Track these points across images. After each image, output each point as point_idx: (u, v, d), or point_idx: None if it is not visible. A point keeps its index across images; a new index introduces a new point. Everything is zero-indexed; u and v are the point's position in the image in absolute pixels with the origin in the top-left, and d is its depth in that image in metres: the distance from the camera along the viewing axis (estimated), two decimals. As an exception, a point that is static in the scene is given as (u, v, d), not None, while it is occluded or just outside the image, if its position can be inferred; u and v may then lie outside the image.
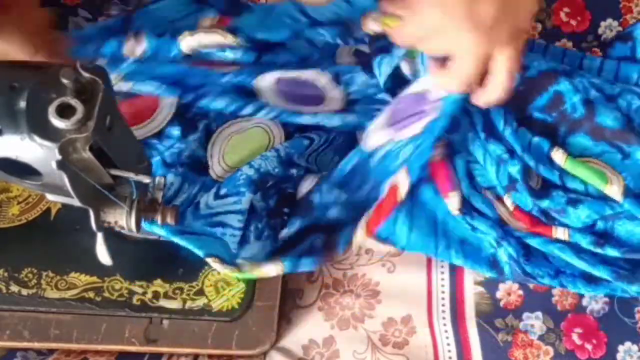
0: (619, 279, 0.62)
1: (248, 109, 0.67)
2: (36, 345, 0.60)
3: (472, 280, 0.65)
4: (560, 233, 0.63)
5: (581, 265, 0.62)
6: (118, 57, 0.66)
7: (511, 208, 0.64)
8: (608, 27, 0.73)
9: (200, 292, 0.63)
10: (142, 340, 0.61)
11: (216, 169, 0.67)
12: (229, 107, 0.67)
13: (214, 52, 0.67)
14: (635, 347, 0.63)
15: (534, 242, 0.64)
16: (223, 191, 0.65)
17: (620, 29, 0.74)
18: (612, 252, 0.62)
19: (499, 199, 0.65)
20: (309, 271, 0.65)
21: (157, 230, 0.61)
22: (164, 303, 0.62)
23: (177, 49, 0.66)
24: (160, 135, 0.67)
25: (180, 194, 0.65)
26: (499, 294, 0.65)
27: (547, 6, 0.74)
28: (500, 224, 0.64)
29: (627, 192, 0.62)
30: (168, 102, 0.68)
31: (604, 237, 0.63)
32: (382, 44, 0.64)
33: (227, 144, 0.68)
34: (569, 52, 0.73)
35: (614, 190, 0.62)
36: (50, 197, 0.56)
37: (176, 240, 0.62)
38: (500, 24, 0.50)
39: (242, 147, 0.68)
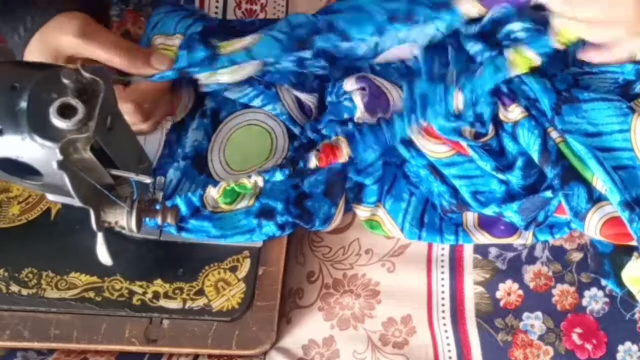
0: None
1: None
2: (36, 345, 0.60)
3: (472, 280, 0.65)
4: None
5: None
6: None
7: None
8: (608, 28, 0.73)
9: (200, 292, 0.63)
10: (142, 340, 0.61)
11: (216, 166, 0.67)
12: None
13: None
14: (635, 347, 0.63)
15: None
16: None
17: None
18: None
19: None
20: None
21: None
22: (164, 303, 0.62)
23: None
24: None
25: (178, 191, 0.65)
26: (498, 294, 0.65)
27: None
28: None
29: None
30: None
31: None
32: None
33: (230, 137, 0.69)
34: None
35: None
36: (50, 197, 0.56)
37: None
38: None
39: (244, 146, 0.68)
